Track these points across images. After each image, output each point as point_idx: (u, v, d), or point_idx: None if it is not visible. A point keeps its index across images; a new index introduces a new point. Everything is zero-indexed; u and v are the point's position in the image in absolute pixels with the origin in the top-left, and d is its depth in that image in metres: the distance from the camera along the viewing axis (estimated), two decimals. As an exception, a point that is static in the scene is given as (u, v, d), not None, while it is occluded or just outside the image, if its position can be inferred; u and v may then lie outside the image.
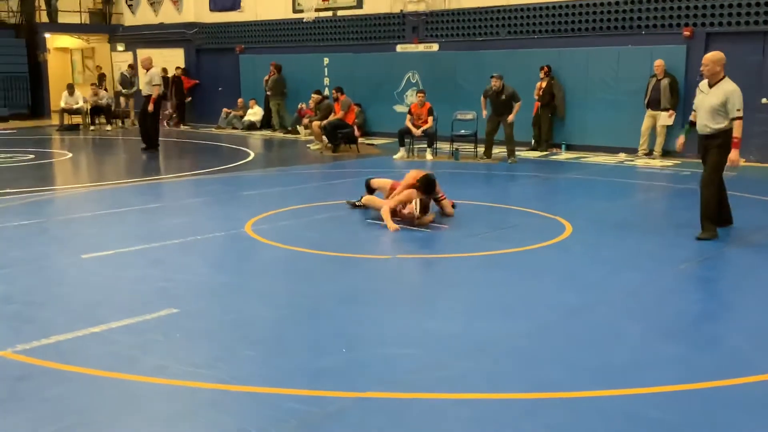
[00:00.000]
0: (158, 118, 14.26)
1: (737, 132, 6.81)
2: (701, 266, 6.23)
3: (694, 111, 7.20)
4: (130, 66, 21.11)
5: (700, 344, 4.48)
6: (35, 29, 22.67)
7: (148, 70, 14.16)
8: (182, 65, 21.10)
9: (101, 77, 22.45)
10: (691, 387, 3.76)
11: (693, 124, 7.27)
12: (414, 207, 7.39)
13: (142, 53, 22.17)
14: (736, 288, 5.67)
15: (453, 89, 15.91)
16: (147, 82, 14.06)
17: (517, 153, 13.13)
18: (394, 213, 7.55)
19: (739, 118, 6.80)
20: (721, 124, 6.86)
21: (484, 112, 13.07)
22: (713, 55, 6.97)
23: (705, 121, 6.96)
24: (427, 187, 7.47)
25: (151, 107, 13.84)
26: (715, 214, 7.05)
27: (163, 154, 14.10)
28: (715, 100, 6.84)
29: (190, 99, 21.00)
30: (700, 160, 7.32)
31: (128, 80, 20.28)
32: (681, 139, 7.45)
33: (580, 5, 14.36)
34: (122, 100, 20.46)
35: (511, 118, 12.75)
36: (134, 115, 20.48)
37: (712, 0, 12.86)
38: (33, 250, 6.57)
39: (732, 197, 7.55)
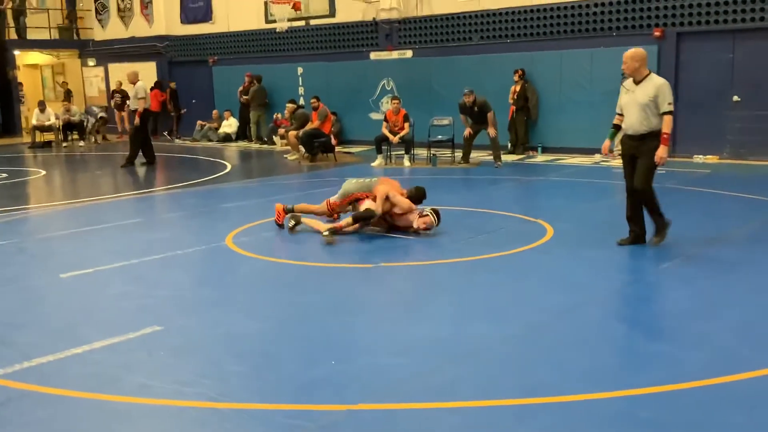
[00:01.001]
0: (145, 131, 14.10)
1: (667, 127, 6.37)
2: (684, 265, 6.26)
3: (619, 114, 6.73)
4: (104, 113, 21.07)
5: (687, 343, 4.49)
6: (5, 46, 22.37)
7: (134, 84, 14.07)
8: (155, 78, 20.91)
9: (67, 93, 22.17)
10: (681, 386, 3.76)
11: (618, 127, 6.80)
12: (432, 219, 7.38)
13: (114, 68, 22.04)
14: (720, 285, 5.69)
15: (428, 95, 15.93)
16: (133, 96, 13.97)
17: (494, 156, 13.18)
18: (393, 226, 7.56)
19: (669, 112, 6.36)
20: (655, 122, 6.42)
21: (468, 130, 12.99)
22: (633, 52, 6.51)
23: (637, 119, 6.48)
24: (420, 198, 7.79)
25: (137, 121, 13.73)
26: (659, 210, 6.68)
27: (139, 168, 13.95)
28: (645, 97, 6.40)
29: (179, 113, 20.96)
30: (623, 162, 6.77)
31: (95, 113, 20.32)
32: (606, 143, 6.84)
33: (552, 8, 14.46)
34: (92, 119, 20.21)
35: (493, 132, 12.75)
36: (105, 130, 20.37)
37: (681, 0, 13.01)
38: (10, 271, 6.45)
39: (709, 194, 7.62)
